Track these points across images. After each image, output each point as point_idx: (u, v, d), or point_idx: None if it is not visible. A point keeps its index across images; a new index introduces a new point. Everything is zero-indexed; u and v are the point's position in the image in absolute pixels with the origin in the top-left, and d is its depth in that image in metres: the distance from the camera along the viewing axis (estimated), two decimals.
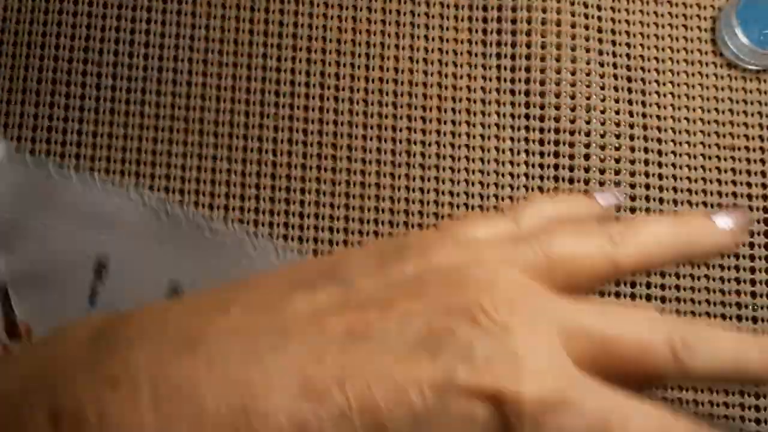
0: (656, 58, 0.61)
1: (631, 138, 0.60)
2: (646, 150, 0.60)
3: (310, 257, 0.57)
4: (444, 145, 0.60)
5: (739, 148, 0.60)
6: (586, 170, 0.60)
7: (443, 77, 0.61)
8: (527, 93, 0.61)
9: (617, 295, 0.58)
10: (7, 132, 0.60)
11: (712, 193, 0.60)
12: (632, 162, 0.60)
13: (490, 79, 0.61)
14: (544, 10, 0.61)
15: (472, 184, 0.60)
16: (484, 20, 0.62)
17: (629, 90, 0.61)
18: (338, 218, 0.59)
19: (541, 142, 0.60)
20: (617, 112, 0.61)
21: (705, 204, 0.60)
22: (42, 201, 0.57)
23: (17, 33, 0.62)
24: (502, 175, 0.60)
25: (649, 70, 0.61)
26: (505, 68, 0.61)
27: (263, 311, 0.35)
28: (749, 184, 0.60)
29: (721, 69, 0.61)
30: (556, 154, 0.60)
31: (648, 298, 0.58)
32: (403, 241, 0.39)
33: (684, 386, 0.57)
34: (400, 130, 0.60)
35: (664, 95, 0.61)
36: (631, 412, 0.34)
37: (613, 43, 0.61)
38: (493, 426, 0.32)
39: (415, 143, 0.60)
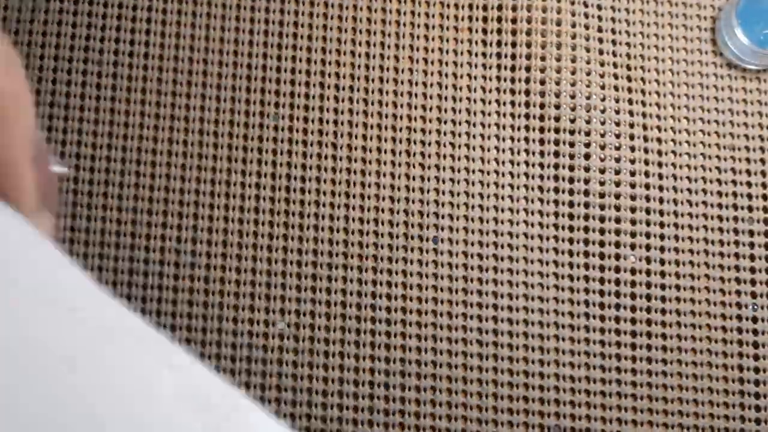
0: (656, 58, 0.61)
1: (631, 138, 0.60)
2: (646, 150, 0.60)
3: None
4: (444, 145, 0.60)
5: (739, 148, 0.60)
6: (586, 170, 0.60)
7: (443, 77, 0.61)
8: (527, 93, 0.61)
9: (617, 294, 0.58)
10: None
11: (712, 193, 0.60)
12: (632, 162, 0.60)
13: (490, 79, 0.61)
14: (544, 10, 0.61)
15: (472, 184, 0.60)
16: (484, 20, 0.62)
17: (629, 90, 0.61)
18: (338, 218, 0.59)
19: (541, 142, 0.60)
20: (617, 112, 0.61)
21: (705, 203, 0.60)
22: None
23: (17, 33, 0.62)
24: (502, 175, 0.60)
25: (649, 70, 0.61)
26: (505, 68, 0.61)
27: None
28: (749, 184, 0.60)
29: (721, 69, 0.61)
30: (556, 154, 0.60)
31: (648, 298, 0.58)
32: None
33: (684, 387, 0.57)
34: (400, 130, 0.60)
35: (664, 95, 0.61)
36: None
37: (613, 42, 0.61)
38: None
39: (415, 143, 0.60)
